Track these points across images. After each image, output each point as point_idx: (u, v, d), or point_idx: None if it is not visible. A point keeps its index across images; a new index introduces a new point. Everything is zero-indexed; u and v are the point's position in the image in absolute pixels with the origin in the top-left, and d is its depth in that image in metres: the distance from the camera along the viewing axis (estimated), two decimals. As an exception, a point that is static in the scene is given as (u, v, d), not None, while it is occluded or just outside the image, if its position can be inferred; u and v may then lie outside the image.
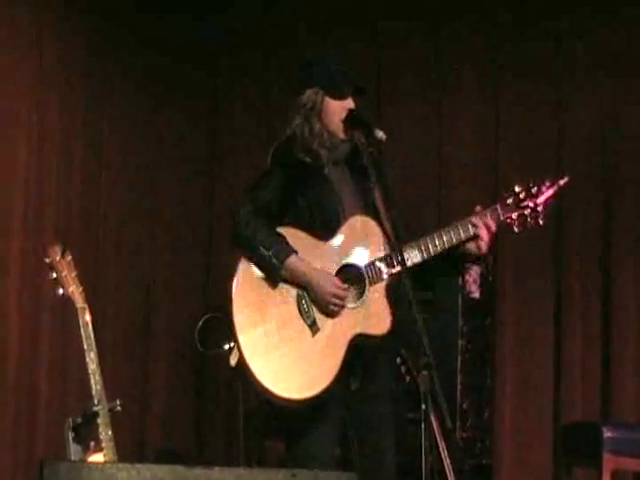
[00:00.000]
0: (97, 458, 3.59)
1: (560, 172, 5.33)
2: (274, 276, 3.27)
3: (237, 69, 6.07)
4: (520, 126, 5.53)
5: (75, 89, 5.42)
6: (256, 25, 6.00)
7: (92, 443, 3.62)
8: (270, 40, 5.97)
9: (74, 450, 3.62)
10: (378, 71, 5.72)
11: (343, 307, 3.26)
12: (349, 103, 3.38)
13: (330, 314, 3.26)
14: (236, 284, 3.30)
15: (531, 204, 3.31)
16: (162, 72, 5.85)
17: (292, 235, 3.32)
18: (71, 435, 3.63)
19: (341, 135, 3.39)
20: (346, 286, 3.28)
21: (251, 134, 5.91)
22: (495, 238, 3.33)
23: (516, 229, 3.32)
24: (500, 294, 5.39)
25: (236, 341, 3.28)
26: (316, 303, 3.27)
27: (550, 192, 3.34)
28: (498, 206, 3.31)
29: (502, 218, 3.31)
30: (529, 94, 5.53)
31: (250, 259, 3.30)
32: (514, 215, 3.31)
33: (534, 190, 3.33)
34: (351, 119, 3.36)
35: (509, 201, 3.32)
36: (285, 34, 5.92)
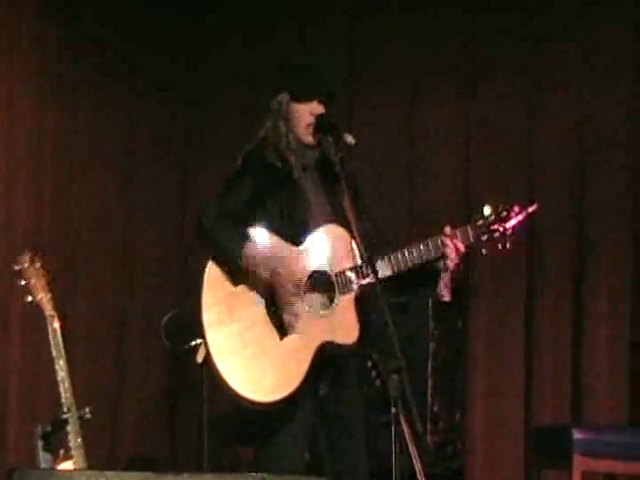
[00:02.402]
0: (67, 466, 3.57)
1: (530, 175, 5.47)
2: (236, 270, 3.25)
3: (216, 68, 6.05)
4: (491, 131, 5.56)
5: (45, 91, 5.38)
6: (235, 22, 5.99)
7: (62, 451, 3.60)
8: (248, 37, 5.96)
9: (44, 458, 3.60)
10: (350, 78, 5.73)
11: (297, 299, 3.24)
12: (316, 107, 3.38)
13: (285, 301, 3.24)
14: (206, 281, 3.29)
15: (500, 228, 3.36)
16: (137, 72, 5.82)
17: (262, 237, 3.32)
18: (40, 443, 3.61)
19: (309, 140, 3.40)
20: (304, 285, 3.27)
21: (227, 139, 5.90)
22: (463, 258, 3.35)
23: (484, 251, 3.38)
24: (471, 297, 5.41)
25: (203, 338, 3.27)
26: (275, 291, 3.25)
27: (519, 218, 3.39)
28: (468, 228, 3.36)
29: (472, 240, 3.36)
30: (501, 99, 5.55)
31: (213, 259, 3.30)
32: (483, 238, 3.36)
33: (503, 214, 3.38)
34: (319, 123, 3.37)
35: (479, 223, 3.36)
36: (264, 31, 5.91)
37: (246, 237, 3.28)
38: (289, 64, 3.51)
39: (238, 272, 3.27)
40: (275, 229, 3.34)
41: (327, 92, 3.40)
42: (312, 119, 3.38)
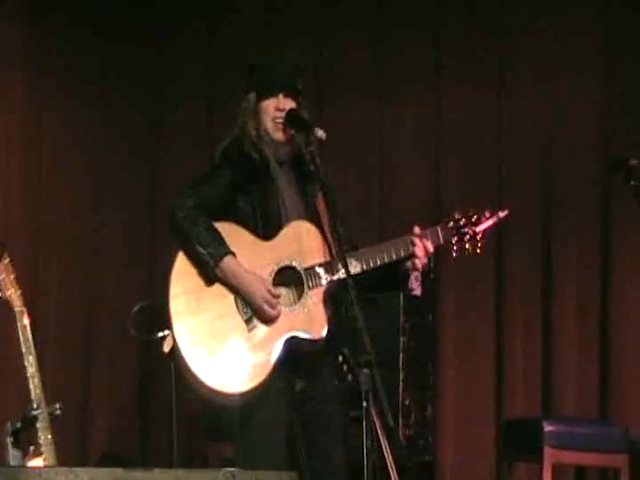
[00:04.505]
0: (37, 462, 3.55)
1: (500, 173, 5.50)
2: (208, 274, 3.28)
3: (184, 55, 6.01)
4: (461, 131, 5.57)
5: (14, 87, 5.35)
6: (202, 9, 5.97)
7: (31, 448, 3.58)
8: (214, 24, 5.94)
9: (13, 455, 3.58)
10: (319, 78, 5.71)
11: (275, 318, 3.27)
12: (282, 102, 3.39)
13: (263, 319, 3.28)
14: (175, 270, 3.29)
15: (470, 232, 3.40)
16: (106, 64, 5.79)
17: (232, 231, 3.32)
18: (10, 440, 3.58)
19: (278, 136, 3.41)
20: (279, 292, 3.29)
21: (196, 133, 5.89)
22: (429, 260, 3.39)
23: (454, 254, 3.41)
24: (442, 291, 5.43)
25: (170, 327, 3.27)
26: (250, 307, 3.28)
27: (489, 222, 3.43)
28: (439, 229, 3.39)
29: (441, 241, 3.39)
30: (470, 98, 5.57)
31: (186, 253, 3.30)
32: (453, 240, 3.40)
33: (474, 219, 3.41)
34: (290, 118, 3.38)
35: (449, 225, 3.40)
36: (229, 18, 5.90)
37: (222, 241, 3.28)
38: (261, 63, 3.52)
39: (211, 276, 3.29)
40: (249, 223, 3.35)
41: (288, 85, 3.41)
42: (278, 114, 3.39)
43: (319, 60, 5.73)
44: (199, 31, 5.99)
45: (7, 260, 3.71)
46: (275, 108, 3.39)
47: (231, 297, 3.29)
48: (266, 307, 3.26)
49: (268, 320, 3.28)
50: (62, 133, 5.62)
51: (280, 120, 3.38)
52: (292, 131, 3.38)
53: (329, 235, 3.32)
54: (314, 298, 3.30)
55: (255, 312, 3.28)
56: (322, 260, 3.32)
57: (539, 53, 5.48)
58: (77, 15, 5.65)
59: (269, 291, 3.27)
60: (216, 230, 3.30)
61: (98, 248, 5.76)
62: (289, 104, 3.39)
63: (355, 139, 5.67)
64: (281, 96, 3.39)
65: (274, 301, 3.27)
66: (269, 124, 3.40)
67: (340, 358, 3.31)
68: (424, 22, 5.69)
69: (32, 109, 5.45)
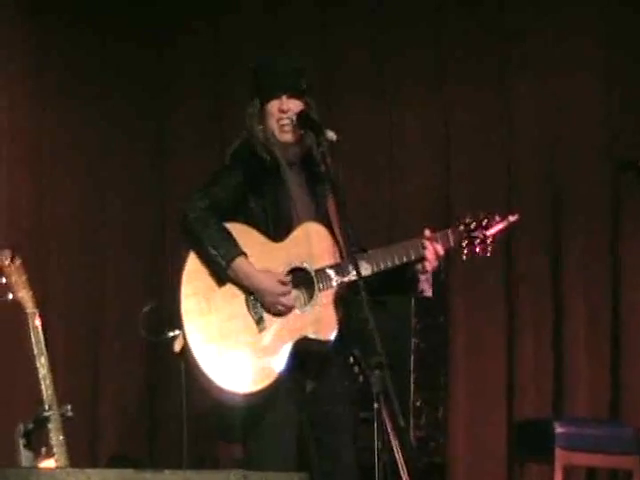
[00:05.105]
0: (49, 464, 3.56)
1: (508, 172, 5.49)
2: (220, 275, 3.28)
3: (186, 54, 6.01)
4: (469, 130, 5.57)
5: (18, 87, 5.36)
6: (205, 19, 5.99)
7: (43, 449, 3.59)
8: (215, 22, 5.95)
9: (25, 456, 3.59)
10: (326, 79, 5.70)
11: (291, 307, 3.28)
12: (285, 103, 3.39)
13: (277, 314, 3.29)
14: (186, 271, 3.30)
15: (481, 235, 3.42)
16: (108, 64, 5.79)
17: (243, 232, 3.33)
18: (22, 441, 3.59)
19: (285, 138, 3.40)
20: (289, 284, 3.30)
21: (200, 132, 5.89)
22: (439, 264, 3.40)
23: (464, 257, 3.43)
24: (452, 293, 5.43)
25: (181, 326, 3.27)
26: (263, 305, 3.29)
27: (500, 226, 3.46)
28: (449, 232, 3.41)
29: (452, 244, 3.41)
30: (478, 98, 5.57)
31: (197, 254, 3.30)
32: (464, 243, 3.42)
33: (484, 222, 3.43)
34: (300, 119, 3.38)
35: (460, 228, 3.42)
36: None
37: (233, 242, 3.28)
38: (264, 65, 3.51)
39: (223, 277, 3.29)
40: (260, 224, 3.36)
41: (291, 86, 3.41)
42: (283, 115, 3.39)
43: (326, 61, 5.73)
44: (199, 31, 6.00)
45: (19, 262, 3.72)
46: (279, 109, 3.39)
47: (242, 298, 3.30)
48: (282, 299, 3.26)
49: (284, 313, 3.28)
50: (62, 133, 5.62)
51: (285, 122, 3.38)
52: (301, 132, 3.38)
53: (339, 236, 3.33)
54: (324, 300, 3.31)
55: (269, 309, 3.28)
56: (332, 262, 3.33)
57: (542, 53, 5.47)
58: (77, 15, 5.64)
59: (280, 282, 3.28)
60: (228, 231, 3.30)
61: (103, 249, 5.76)
62: (293, 105, 3.39)
63: (363, 140, 5.66)
64: (284, 97, 3.39)
65: (287, 289, 3.28)
66: (274, 126, 3.40)
67: (351, 359, 3.32)
68: (424, 22, 5.69)
69: (32, 109, 5.45)
